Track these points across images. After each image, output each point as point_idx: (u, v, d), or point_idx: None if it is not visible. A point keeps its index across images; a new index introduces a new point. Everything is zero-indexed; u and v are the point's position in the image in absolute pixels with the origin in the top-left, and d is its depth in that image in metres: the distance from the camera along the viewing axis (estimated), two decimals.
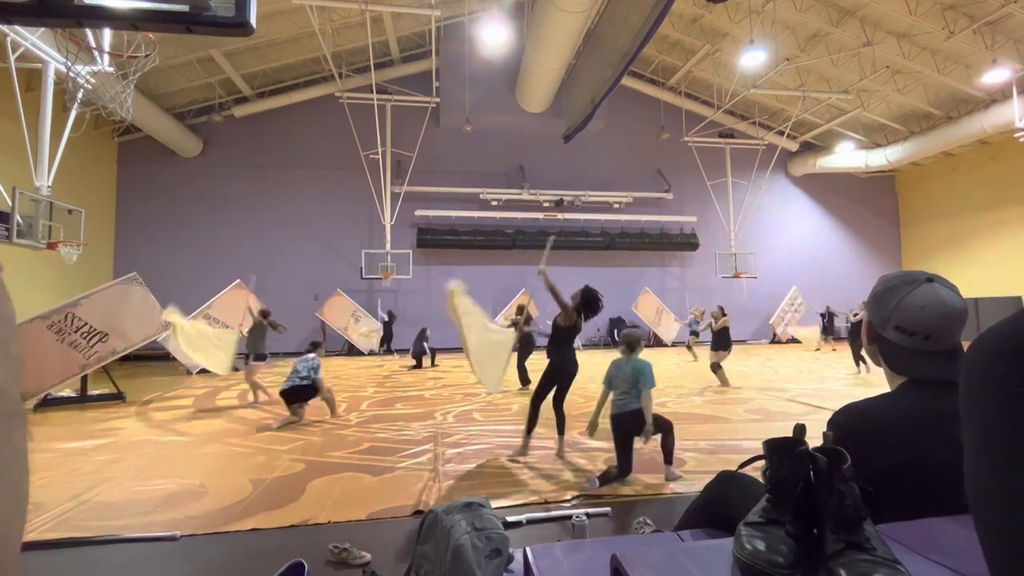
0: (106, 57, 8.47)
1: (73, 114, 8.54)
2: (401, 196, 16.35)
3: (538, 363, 5.39)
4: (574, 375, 4.47)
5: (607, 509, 3.04)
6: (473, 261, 17.41)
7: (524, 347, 8.45)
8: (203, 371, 10.91)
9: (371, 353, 15.22)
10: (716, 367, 8.28)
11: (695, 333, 12.79)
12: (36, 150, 8.36)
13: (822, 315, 15.93)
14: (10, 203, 7.77)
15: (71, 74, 8.14)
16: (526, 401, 4.81)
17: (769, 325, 18.18)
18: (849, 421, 1.04)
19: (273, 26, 13.26)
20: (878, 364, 1.17)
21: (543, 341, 5.07)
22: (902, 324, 1.04)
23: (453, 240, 17.18)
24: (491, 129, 17.23)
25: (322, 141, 16.78)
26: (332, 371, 11.14)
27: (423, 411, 6.43)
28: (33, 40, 8.28)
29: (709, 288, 18.38)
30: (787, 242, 19.86)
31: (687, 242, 18.62)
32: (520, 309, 7.59)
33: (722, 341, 8.24)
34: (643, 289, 16.87)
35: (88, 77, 8.51)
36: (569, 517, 2.65)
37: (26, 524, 0.34)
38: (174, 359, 10.99)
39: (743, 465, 1.06)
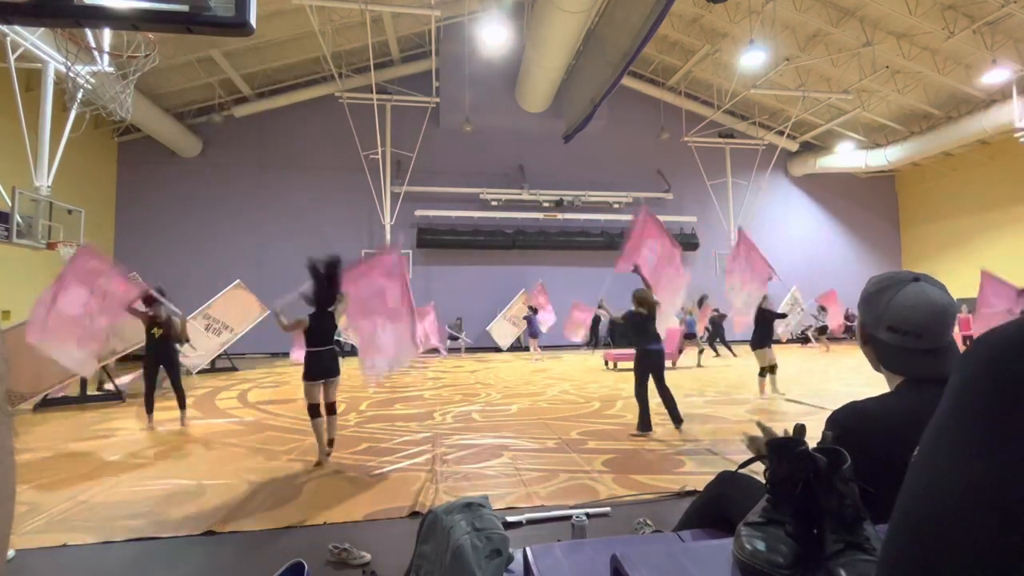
0: (106, 57, 8.47)
1: (73, 114, 8.54)
2: (401, 196, 16.35)
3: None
4: None
5: (607, 509, 3.04)
6: (473, 261, 17.40)
7: None
8: (203, 371, 10.92)
9: None
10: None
11: (691, 336, 12.00)
12: (36, 150, 8.35)
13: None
14: (10, 203, 7.77)
15: (71, 74, 8.13)
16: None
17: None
18: (848, 420, 1.05)
19: (273, 26, 13.25)
20: (875, 367, 1.17)
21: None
22: (894, 324, 1.05)
23: (453, 240, 17.18)
24: (491, 129, 17.22)
25: (322, 141, 16.77)
26: None
27: (422, 411, 6.43)
28: (33, 40, 8.27)
29: (709, 289, 18.35)
30: (787, 242, 19.84)
31: (687, 242, 18.59)
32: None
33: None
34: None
35: (88, 77, 8.50)
36: (569, 517, 2.65)
37: (13, 521, 0.34)
38: None
39: (743, 465, 1.06)
